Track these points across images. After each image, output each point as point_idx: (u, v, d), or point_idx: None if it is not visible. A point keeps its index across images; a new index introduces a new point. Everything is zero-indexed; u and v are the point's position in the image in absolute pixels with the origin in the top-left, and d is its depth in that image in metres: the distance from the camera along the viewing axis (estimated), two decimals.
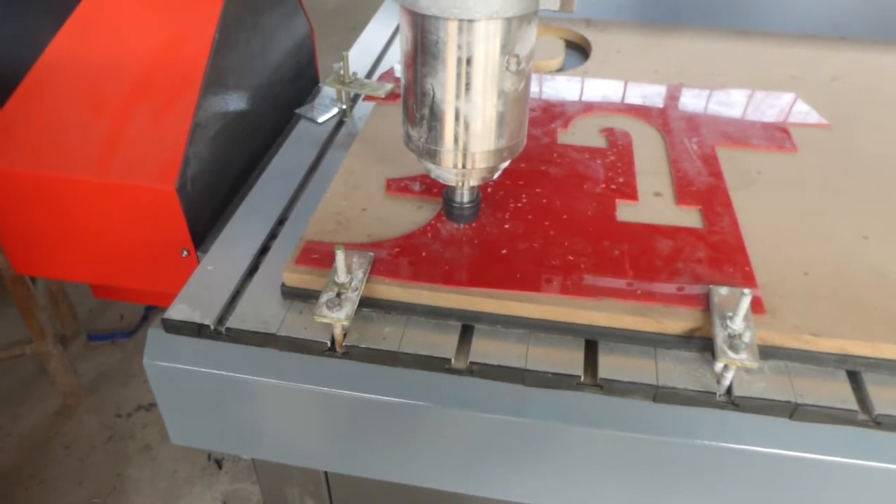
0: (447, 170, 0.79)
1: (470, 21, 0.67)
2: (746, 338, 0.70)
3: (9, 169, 0.96)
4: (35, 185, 0.96)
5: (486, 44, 0.69)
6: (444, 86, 0.72)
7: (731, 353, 0.69)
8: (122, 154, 0.95)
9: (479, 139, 0.76)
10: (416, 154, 0.80)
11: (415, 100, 0.75)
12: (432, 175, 0.82)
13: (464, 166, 0.78)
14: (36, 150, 0.96)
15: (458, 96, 0.73)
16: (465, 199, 0.84)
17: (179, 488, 1.90)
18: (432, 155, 0.78)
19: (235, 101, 1.07)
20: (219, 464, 1.95)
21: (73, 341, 2.22)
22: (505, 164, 0.81)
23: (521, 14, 0.68)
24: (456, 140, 0.76)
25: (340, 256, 0.73)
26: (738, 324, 0.70)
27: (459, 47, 0.69)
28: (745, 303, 0.69)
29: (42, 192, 0.96)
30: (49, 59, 1.00)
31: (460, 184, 0.82)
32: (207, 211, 1.00)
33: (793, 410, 0.70)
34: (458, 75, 0.71)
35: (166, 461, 1.96)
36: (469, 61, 0.70)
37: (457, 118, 0.74)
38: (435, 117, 0.75)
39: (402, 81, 0.77)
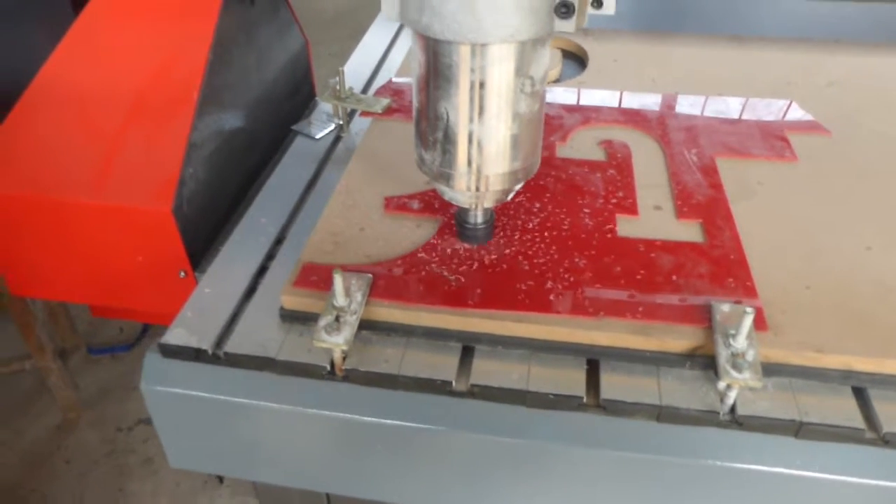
0: (461, 192, 0.78)
1: (483, 45, 0.67)
2: (749, 356, 0.69)
3: (4, 192, 0.95)
4: (31, 207, 0.95)
5: (500, 67, 0.69)
6: (458, 109, 0.71)
7: (734, 373, 0.68)
8: (117, 176, 0.94)
9: (494, 162, 0.75)
10: (430, 177, 0.79)
11: (428, 123, 0.75)
12: (445, 197, 0.82)
13: (478, 189, 0.77)
14: (31, 173, 0.96)
15: (472, 119, 0.72)
16: (479, 220, 0.84)
17: (181, 502, 1.89)
18: (446, 178, 0.77)
19: (231, 120, 1.06)
20: (220, 478, 1.95)
21: (73, 355, 2.20)
22: (519, 186, 0.80)
23: (536, 37, 0.67)
24: (470, 163, 0.75)
25: (339, 280, 0.73)
26: (740, 342, 0.69)
27: (473, 71, 0.69)
28: (748, 321, 0.68)
29: (38, 214, 0.96)
30: (43, 82, 0.99)
31: (474, 206, 0.81)
32: (205, 231, 0.99)
33: (798, 429, 0.69)
34: (472, 99, 0.71)
35: (168, 475, 1.95)
36: (483, 85, 0.69)
37: (471, 141, 0.73)
38: (449, 140, 0.74)
39: (415, 105, 0.76)
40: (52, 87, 0.99)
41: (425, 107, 0.74)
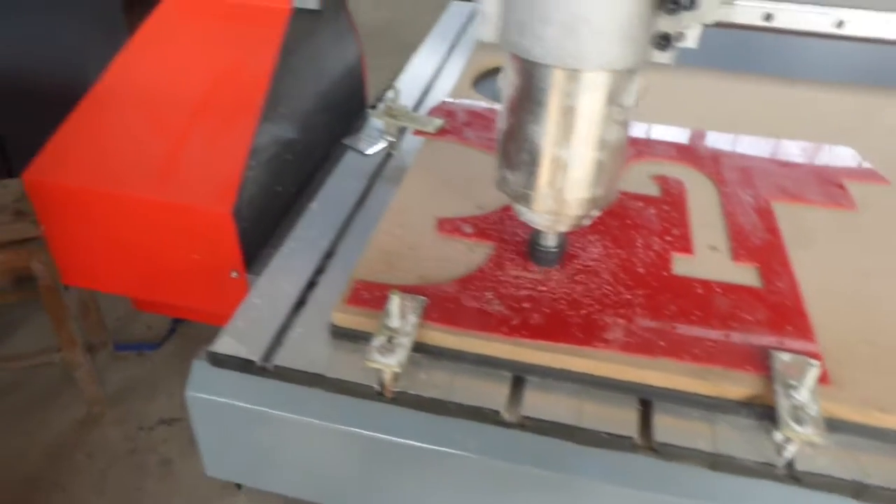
0: (539, 214, 0.79)
1: (579, 71, 0.67)
2: (812, 411, 0.67)
3: (67, 183, 0.97)
4: (93, 200, 0.97)
5: (593, 94, 0.69)
6: (547, 133, 0.72)
7: (795, 426, 0.66)
8: (180, 175, 0.95)
9: (576, 186, 0.75)
10: (510, 197, 0.80)
11: (515, 144, 0.75)
12: (522, 218, 0.82)
13: (557, 213, 0.77)
14: (96, 167, 0.97)
15: (559, 144, 0.72)
16: (552, 242, 0.84)
17: None
18: (526, 199, 0.77)
19: (291, 126, 1.07)
20: (238, 484, 1.94)
21: (101, 351, 2.22)
22: (597, 213, 0.80)
23: (632, 67, 0.68)
24: (552, 186, 0.75)
25: (395, 301, 0.72)
26: (803, 395, 0.68)
27: (566, 96, 0.69)
28: (813, 374, 0.67)
29: (100, 207, 0.97)
30: (110, 80, 1.01)
31: (550, 229, 0.81)
32: (259, 233, 1.00)
33: (859, 490, 0.67)
34: (562, 123, 0.71)
35: (186, 478, 1.95)
36: (574, 110, 0.70)
37: (556, 165, 0.73)
38: (534, 163, 0.74)
39: (503, 125, 0.77)
40: (119, 85, 1.00)
41: (514, 128, 0.75)
